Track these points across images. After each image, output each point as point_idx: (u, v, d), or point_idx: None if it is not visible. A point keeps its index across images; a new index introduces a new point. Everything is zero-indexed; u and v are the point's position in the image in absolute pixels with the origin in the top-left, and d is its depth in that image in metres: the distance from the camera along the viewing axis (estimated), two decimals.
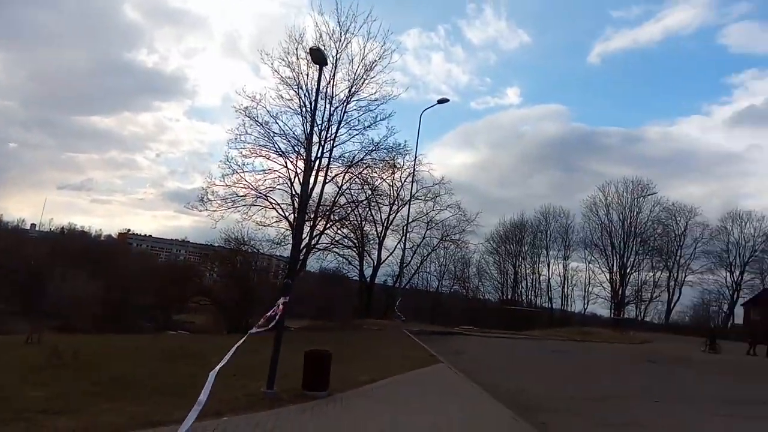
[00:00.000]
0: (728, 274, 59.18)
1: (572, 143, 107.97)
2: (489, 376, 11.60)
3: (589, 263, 60.13)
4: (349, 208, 28.53)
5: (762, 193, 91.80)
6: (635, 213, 57.38)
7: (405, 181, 33.50)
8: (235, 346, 6.72)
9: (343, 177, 26.92)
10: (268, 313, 7.56)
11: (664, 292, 59.55)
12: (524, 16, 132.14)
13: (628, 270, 57.36)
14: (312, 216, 25.78)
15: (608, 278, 58.20)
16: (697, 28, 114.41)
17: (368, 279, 36.74)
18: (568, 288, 62.16)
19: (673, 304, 60.10)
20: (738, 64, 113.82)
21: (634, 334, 37.53)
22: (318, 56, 9.05)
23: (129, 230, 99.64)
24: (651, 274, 58.78)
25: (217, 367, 6.05)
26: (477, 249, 57.75)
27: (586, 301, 61.15)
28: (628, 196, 57.31)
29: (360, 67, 25.58)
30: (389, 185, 33.78)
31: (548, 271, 62.80)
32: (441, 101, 30.78)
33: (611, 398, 10.31)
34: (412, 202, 32.70)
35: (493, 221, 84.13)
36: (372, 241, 36.12)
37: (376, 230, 35.95)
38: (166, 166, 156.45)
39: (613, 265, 57.72)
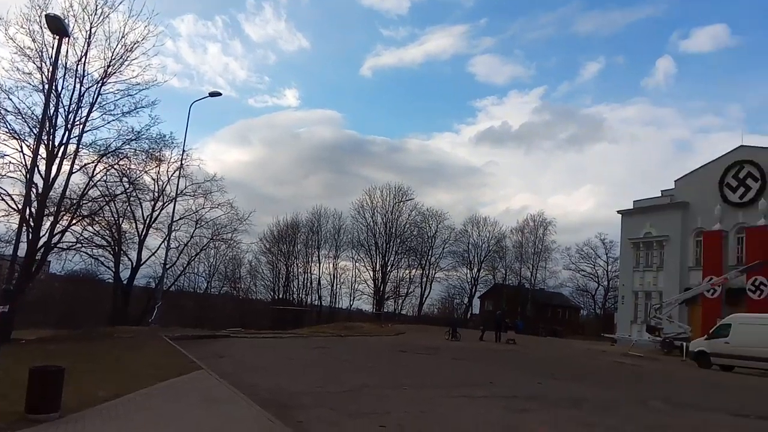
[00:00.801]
0: (468, 271, 68.75)
1: (344, 148, 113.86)
2: (251, 378, 11.40)
3: (356, 262, 64.07)
4: (103, 202, 25.57)
5: (495, 202, 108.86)
6: (396, 216, 63.04)
7: (172, 175, 31.39)
8: None
9: (95, 167, 24.02)
10: None
11: (418, 288, 66.46)
12: (303, 21, 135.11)
13: (389, 268, 62.66)
14: (54, 210, 22.42)
15: (372, 276, 62.81)
16: (452, 56, 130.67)
17: (125, 282, 33.40)
18: (336, 286, 65.25)
19: (424, 298, 67.41)
20: (482, 90, 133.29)
21: (391, 326, 40.91)
22: (56, 25, 7.71)
23: None
24: (407, 271, 65.21)
25: None
26: (249, 248, 56.98)
27: (352, 298, 65.01)
28: (391, 201, 62.73)
29: (119, 46, 23.10)
30: (153, 179, 31.28)
31: (319, 269, 65.08)
32: (213, 94, 29.45)
33: (366, 389, 10.96)
34: (179, 199, 30.74)
35: (267, 220, 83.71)
36: (131, 240, 32.98)
37: (137, 228, 32.98)
38: None
39: (376, 264, 62.49)
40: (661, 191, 42.11)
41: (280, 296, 63.66)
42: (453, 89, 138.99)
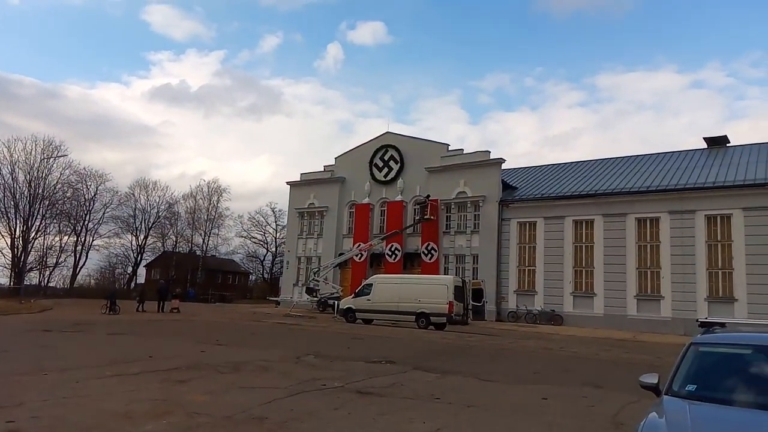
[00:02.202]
0: (134, 238, 63.88)
1: None
2: None
3: None
4: None
5: (170, 165, 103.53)
6: (44, 174, 54.00)
7: None
8: None
9: None
10: None
11: (71, 257, 58.75)
12: None
13: (33, 235, 53.52)
14: None
15: (9, 243, 52.67)
16: None
17: None
18: None
19: (79, 269, 60.10)
20: (157, 43, 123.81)
21: (34, 302, 35.36)
22: None
23: None
24: (58, 238, 56.84)
25: None
26: None
27: None
28: (38, 156, 53.39)
29: None
30: None
31: None
32: None
33: None
34: None
35: None
36: None
37: None
38: None
39: (15, 230, 52.53)
40: (324, 166, 46.55)
41: None
42: (123, 36, 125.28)
